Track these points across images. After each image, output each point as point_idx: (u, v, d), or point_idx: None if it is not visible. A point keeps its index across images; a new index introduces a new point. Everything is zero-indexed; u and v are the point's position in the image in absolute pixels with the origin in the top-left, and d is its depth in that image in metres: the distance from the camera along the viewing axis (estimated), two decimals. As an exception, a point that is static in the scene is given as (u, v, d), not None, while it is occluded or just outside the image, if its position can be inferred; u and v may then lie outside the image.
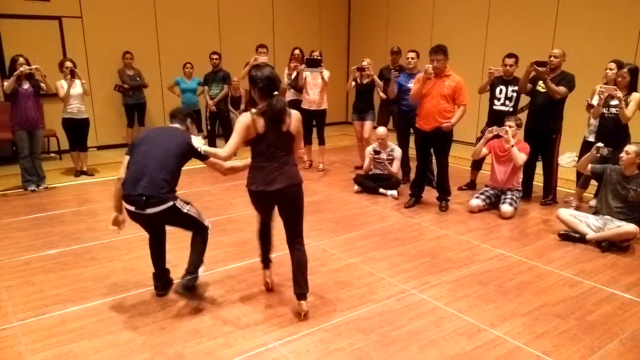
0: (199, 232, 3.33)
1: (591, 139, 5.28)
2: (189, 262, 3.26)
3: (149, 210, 3.07)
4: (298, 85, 6.96)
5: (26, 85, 5.76)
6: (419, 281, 3.74)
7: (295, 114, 3.12)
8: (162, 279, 3.49)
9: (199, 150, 3.18)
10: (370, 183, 5.96)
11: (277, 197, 3.08)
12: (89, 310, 3.29)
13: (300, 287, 3.15)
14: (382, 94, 6.70)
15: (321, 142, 7.02)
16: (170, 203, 3.11)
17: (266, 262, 3.56)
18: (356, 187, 6.04)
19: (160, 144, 3.21)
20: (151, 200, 3.05)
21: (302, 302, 3.17)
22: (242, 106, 8.60)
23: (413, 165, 5.89)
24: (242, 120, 3.00)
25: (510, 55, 5.57)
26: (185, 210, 3.21)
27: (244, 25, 9.46)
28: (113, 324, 3.12)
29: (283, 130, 3.04)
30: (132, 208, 3.10)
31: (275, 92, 3.01)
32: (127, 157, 3.22)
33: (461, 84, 5.01)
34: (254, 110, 3.01)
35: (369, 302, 3.42)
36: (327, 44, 10.44)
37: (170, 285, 3.50)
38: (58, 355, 2.80)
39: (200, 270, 3.29)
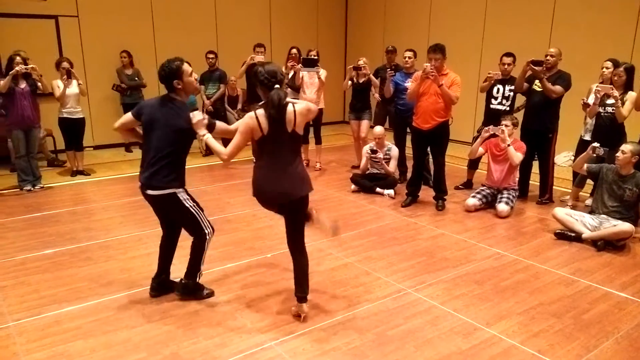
0: (197, 239, 3.27)
1: (587, 137, 5.29)
2: (187, 268, 3.32)
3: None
4: (295, 85, 6.95)
5: (23, 85, 5.73)
6: (415, 280, 3.74)
7: (300, 106, 2.96)
8: (158, 279, 3.44)
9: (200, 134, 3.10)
10: (367, 182, 5.97)
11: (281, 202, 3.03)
12: (85, 310, 3.28)
13: (303, 290, 3.12)
14: (377, 95, 6.71)
15: (318, 141, 7.02)
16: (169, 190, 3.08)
17: None
18: (353, 187, 6.04)
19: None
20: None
21: (303, 304, 3.14)
22: (240, 105, 8.59)
23: (410, 164, 5.90)
24: (246, 121, 2.92)
25: (507, 54, 5.58)
26: (187, 205, 3.14)
27: (241, 24, 9.44)
28: (109, 324, 3.11)
29: (288, 131, 2.92)
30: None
31: (277, 86, 2.89)
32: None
33: (457, 80, 5.01)
34: (259, 110, 2.90)
35: (365, 301, 3.42)
36: (324, 43, 10.43)
37: (166, 290, 3.44)
38: (53, 356, 2.79)
39: (198, 278, 3.34)
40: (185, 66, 3.07)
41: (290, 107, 2.90)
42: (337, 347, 2.89)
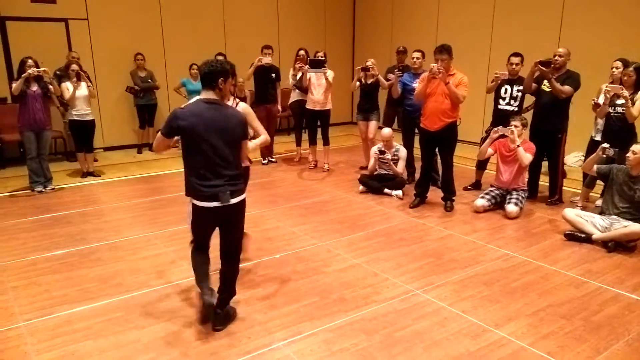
0: (235, 260, 3.17)
1: (598, 138, 5.25)
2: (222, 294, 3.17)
3: None
4: (303, 86, 6.97)
5: (34, 87, 5.80)
6: (424, 281, 3.73)
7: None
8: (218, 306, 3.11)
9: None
10: (375, 183, 5.96)
11: None
12: (95, 310, 3.31)
13: None
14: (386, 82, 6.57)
15: (326, 142, 7.02)
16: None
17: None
18: (361, 188, 6.04)
19: None
20: None
21: None
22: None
23: (418, 165, 5.88)
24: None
25: (516, 55, 5.55)
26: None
27: (249, 26, 9.48)
28: (118, 324, 3.14)
29: None
30: None
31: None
32: None
33: (464, 80, 4.99)
34: None
35: (373, 302, 3.42)
36: (332, 44, 10.44)
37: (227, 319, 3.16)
38: (64, 355, 2.82)
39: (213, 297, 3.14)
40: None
41: None
42: (345, 348, 2.89)
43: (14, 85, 5.66)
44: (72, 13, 7.81)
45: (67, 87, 6.29)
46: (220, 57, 2.95)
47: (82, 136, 6.58)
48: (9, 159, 7.42)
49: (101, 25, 8.05)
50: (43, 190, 6.03)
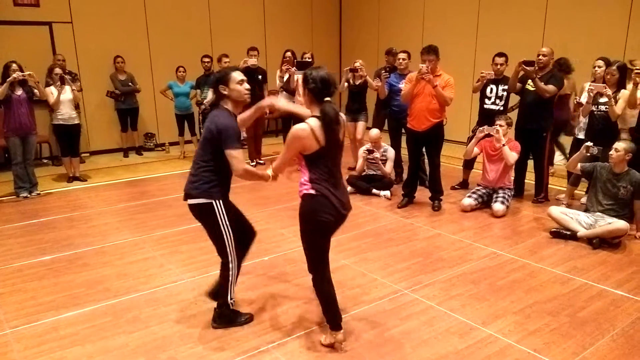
0: (222, 266, 3.04)
1: (581, 136, 5.32)
2: (218, 297, 3.11)
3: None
4: (290, 88, 6.97)
5: (19, 92, 5.74)
6: (412, 281, 3.75)
7: (343, 120, 2.80)
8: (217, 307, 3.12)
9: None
10: (363, 184, 5.98)
11: (343, 221, 2.83)
12: (82, 316, 3.29)
13: (335, 319, 2.89)
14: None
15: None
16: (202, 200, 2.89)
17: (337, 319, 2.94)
18: (349, 188, 6.05)
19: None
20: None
21: (339, 332, 2.90)
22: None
23: (405, 166, 5.91)
24: (297, 133, 2.61)
25: (500, 55, 5.60)
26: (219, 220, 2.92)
27: (236, 27, 9.46)
28: (106, 330, 3.12)
29: (340, 142, 2.76)
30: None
31: (327, 99, 2.64)
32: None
33: (450, 82, 5.03)
34: (312, 122, 2.62)
35: (361, 302, 3.43)
36: (319, 45, 10.45)
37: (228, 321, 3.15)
38: (51, 362, 2.80)
39: (230, 302, 3.07)
40: (235, 74, 2.91)
41: (342, 117, 2.77)
42: (333, 349, 2.89)
43: (-2, 89, 5.60)
44: (56, 16, 7.74)
45: (52, 91, 6.23)
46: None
47: (67, 141, 6.52)
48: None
49: (86, 28, 7.98)
50: (28, 195, 5.96)
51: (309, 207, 2.70)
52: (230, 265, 3.00)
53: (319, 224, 2.70)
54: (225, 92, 2.89)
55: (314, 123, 2.61)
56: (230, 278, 3.03)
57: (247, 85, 2.95)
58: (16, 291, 3.64)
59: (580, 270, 3.93)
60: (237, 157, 2.80)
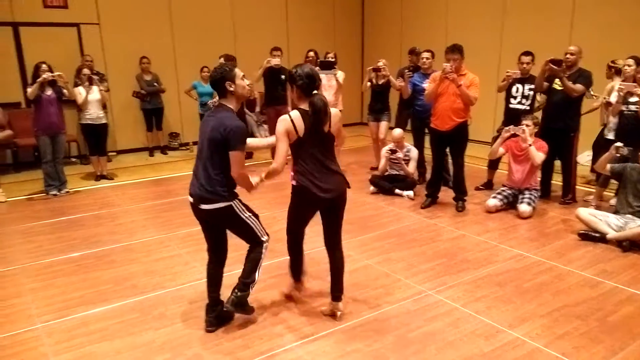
0: (254, 247, 3.10)
1: (610, 136, 5.20)
2: (240, 277, 3.07)
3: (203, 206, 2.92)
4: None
5: (49, 92, 5.88)
6: (436, 282, 3.73)
7: (335, 113, 3.02)
8: (214, 311, 3.13)
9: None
10: (386, 184, 5.96)
11: (327, 203, 3.06)
12: (110, 312, 3.35)
13: (338, 289, 3.19)
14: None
15: (337, 143, 7.02)
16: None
17: (297, 274, 3.48)
18: (372, 188, 6.04)
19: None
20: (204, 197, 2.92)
21: (339, 303, 3.21)
22: (257, 108, 8.65)
23: (429, 166, 5.87)
24: (282, 125, 2.91)
25: (526, 53, 5.51)
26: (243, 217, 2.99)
27: (258, 28, 9.52)
28: (133, 326, 3.17)
29: (325, 131, 2.97)
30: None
31: (315, 92, 2.92)
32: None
33: (475, 81, 4.98)
34: (292, 113, 2.93)
35: (385, 303, 3.42)
36: (341, 45, 10.43)
37: (224, 321, 3.17)
38: (80, 357, 2.86)
39: (252, 288, 3.07)
40: (237, 69, 2.94)
41: (329, 109, 2.97)
42: (357, 349, 2.90)
43: (29, 90, 5.75)
44: (84, 18, 7.91)
45: (80, 91, 6.37)
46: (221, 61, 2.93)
47: (95, 140, 6.66)
48: (23, 163, 7.53)
49: (113, 30, 8.14)
50: (58, 193, 6.11)
51: (294, 195, 3.12)
52: (265, 244, 3.09)
53: (301, 206, 3.15)
54: (232, 89, 2.89)
55: (294, 115, 2.92)
56: (262, 255, 3.08)
57: (247, 81, 3.02)
58: (47, 286, 3.73)
59: (609, 273, 3.84)
60: (240, 161, 2.86)
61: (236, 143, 2.80)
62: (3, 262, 4.17)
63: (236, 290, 3.05)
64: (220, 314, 3.14)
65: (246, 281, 3.05)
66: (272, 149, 3.24)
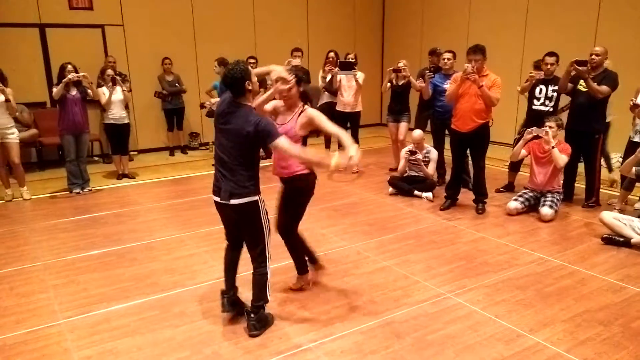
0: (256, 263, 3.07)
1: (637, 139, 5.09)
2: (251, 302, 3.10)
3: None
4: (332, 88, 6.99)
5: (74, 92, 5.99)
6: (455, 285, 3.69)
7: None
8: (228, 294, 3.21)
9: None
10: (405, 185, 5.92)
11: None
12: (131, 308, 3.41)
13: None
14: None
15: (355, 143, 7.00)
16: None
17: (312, 258, 3.72)
18: (391, 189, 6.01)
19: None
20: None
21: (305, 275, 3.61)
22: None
23: (448, 167, 5.82)
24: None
25: (550, 54, 5.43)
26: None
27: (279, 29, 9.57)
28: (154, 323, 3.22)
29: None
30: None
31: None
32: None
33: (497, 82, 4.91)
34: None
35: (403, 305, 3.40)
36: (361, 45, 10.43)
37: (237, 307, 3.23)
38: (102, 352, 2.91)
39: (265, 306, 3.11)
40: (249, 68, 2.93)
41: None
42: (375, 351, 2.89)
43: (54, 90, 5.87)
44: (108, 19, 8.05)
45: (103, 91, 6.48)
46: (235, 62, 2.90)
47: (117, 139, 6.78)
48: (47, 161, 7.69)
49: (136, 31, 8.27)
50: (81, 191, 6.23)
51: (305, 186, 3.36)
52: (268, 262, 3.06)
53: (310, 195, 3.43)
54: (250, 87, 2.88)
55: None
56: (269, 275, 3.07)
57: (255, 78, 3.00)
58: (69, 283, 3.81)
59: (634, 278, 3.76)
60: (285, 144, 2.83)
61: (271, 135, 2.81)
62: (27, 259, 4.27)
63: (252, 315, 3.06)
64: (234, 300, 3.22)
65: (257, 304, 3.07)
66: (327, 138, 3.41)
